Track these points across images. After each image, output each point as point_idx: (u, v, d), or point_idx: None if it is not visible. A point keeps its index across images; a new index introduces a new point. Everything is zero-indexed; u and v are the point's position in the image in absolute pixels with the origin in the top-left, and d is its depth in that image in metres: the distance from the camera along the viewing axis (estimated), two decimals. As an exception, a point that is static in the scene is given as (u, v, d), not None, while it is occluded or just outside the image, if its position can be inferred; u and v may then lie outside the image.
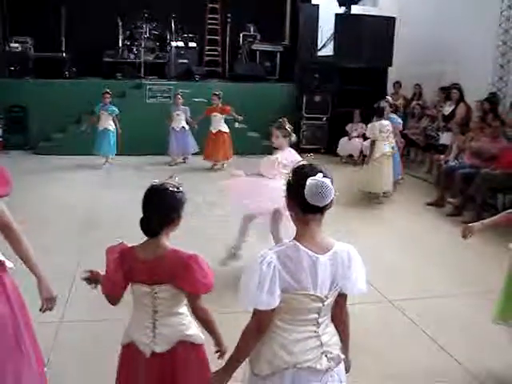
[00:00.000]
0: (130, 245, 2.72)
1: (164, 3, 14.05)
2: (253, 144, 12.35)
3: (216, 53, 15.57)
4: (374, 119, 9.52)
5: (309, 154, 2.59)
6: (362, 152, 11.85)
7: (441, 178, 8.96)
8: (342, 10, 13.05)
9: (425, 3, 13.15)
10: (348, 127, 12.30)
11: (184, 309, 2.74)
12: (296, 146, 12.79)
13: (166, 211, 2.61)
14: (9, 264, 2.90)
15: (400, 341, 4.52)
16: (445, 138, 10.66)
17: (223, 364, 2.45)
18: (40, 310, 2.95)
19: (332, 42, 13.21)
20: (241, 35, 15.19)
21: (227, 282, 4.12)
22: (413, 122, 12.03)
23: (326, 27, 13.49)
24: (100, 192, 8.99)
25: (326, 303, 2.29)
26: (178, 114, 11.28)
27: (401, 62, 12.65)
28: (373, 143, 8.80)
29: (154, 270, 2.58)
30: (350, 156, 12.20)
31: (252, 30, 15.22)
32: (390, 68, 12.88)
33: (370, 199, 8.98)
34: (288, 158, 5.41)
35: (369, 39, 12.16)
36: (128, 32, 14.38)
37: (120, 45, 14.36)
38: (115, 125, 10.87)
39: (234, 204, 5.83)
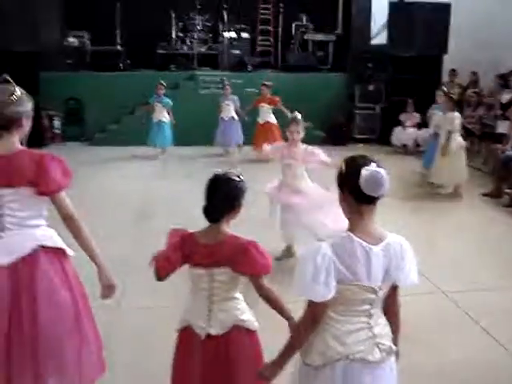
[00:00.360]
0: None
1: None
2: (305, 134, 12.31)
3: (268, 43, 15.56)
4: (430, 108, 9.39)
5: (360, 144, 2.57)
6: (416, 142, 11.70)
7: (498, 168, 8.74)
8: (395, -3, 12.84)
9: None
10: (402, 117, 12.11)
11: (239, 294, 2.81)
12: (349, 136, 12.88)
13: (228, 199, 2.71)
14: (70, 252, 3.01)
15: (452, 332, 4.46)
16: (502, 127, 10.38)
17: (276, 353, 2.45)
18: (100, 296, 3.04)
19: (385, 31, 13.02)
20: (293, 25, 15.13)
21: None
22: (469, 110, 11.76)
23: (378, 15, 13.30)
24: (154, 183, 9.15)
25: (379, 294, 2.29)
26: (227, 104, 11.25)
27: (456, 50, 12.36)
28: (450, 135, 8.41)
29: (213, 253, 2.66)
30: (404, 146, 12.03)
31: (304, 19, 15.15)
32: (445, 56, 12.60)
33: (430, 191, 8.84)
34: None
35: (423, 27, 11.92)
36: (181, 24, 14.54)
37: (173, 36, 14.53)
38: (169, 116, 10.98)
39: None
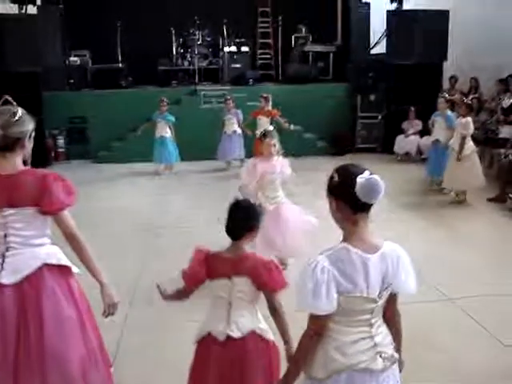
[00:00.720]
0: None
1: (215, 9, 14.24)
2: (308, 145, 12.39)
3: (268, 56, 15.66)
4: (433, 116, 9.39)
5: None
6: (419, 149, 11.70)
7: (502, 173, 8.73)
8: (393, 6, 12.88)
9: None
10: (404, 125, 12.12)
11: (256, 307, 2.92)
12: (352, 146, 12.89)
13: (248, 221, 2.92)
14: (75, 269, 3.03)
15: (462, 339, 4.44)
16: (505, 132, 10.39)
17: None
18: (102, 314, 3.05)
19: (385, 40, 13.07)
20: (292, 37, 15.23)
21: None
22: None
23: (377, 25, 13.37)
24: (160, 199, 9.16)
25: (379, 303, 2.30)
26: (229, 118, 11.27)
27: (456, 56, 12.39)
28: (463, 140, 8.33)
29: (236, 266, 2.85)
30: (407, 154, 12.04)
31: (304, 31, 15.24)
32: (445, 63, 12.62)
33: (435, 198, 8.83)
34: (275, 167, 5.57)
35: (422, 34, 11.93)
36: (181, 40, 14.66)
37: (174, 53, 14.66)
38: (171, 132, 11.02)
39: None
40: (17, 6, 11.58)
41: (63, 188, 2.87)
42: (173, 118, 10.97)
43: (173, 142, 11.02)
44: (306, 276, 2.22)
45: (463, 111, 8.42)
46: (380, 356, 2.32)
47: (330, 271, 2.20)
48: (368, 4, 13.63)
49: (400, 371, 2.52)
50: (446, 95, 9.97)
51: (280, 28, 15.32)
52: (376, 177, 2.22)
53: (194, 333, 2.98)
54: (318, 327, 2.28)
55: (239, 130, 11.28)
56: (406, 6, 12.98)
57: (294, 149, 11.32)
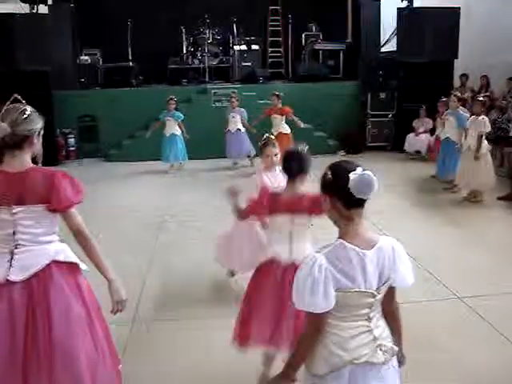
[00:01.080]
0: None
1: (225, 8, 14.26)
2: (319, 144, 12.33)
3: (279, 54, 15.65)
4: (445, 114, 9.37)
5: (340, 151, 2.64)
6: (429, 148, 11.65)
7: (512, 172, 8.67)
8: (403, 4, 12.83)
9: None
10: (415, 123, 12.09)
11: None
12: (362, 144, 12.88)
13: (302, 163, 3.52)
14: (83, 266, 3.05)
15: (471, 338, 4.42)
16: (516, 130, 10.33)
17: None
18: (111, 311, 3.06)
19: (395, 38, 13.02)
20: (303, 35, 15.22)
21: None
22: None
23: (388, 23, 13.33)
24: (169, 196, 9.19)
25: (377, 298, 2.31)
26: (233, 117, 11.25)
27: (467, 54, 12.34)
28: (480, 138, 8.26)
29: (294, 203, 3.43)
30: (418, 152, 12.00)
31: (314, 29, 15.24)
32: (455, 60, 12.57)
33: (446, 196, 8.80)
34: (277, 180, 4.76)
35: (433, 32, 11.90)
36: (191, 38, 14.68)
37: (184, 51, 14.70)
38: (181, 130, 11.05)
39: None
40: (28, 5, 11.65)
41: (71, 186, 2.88)
42: (182, 116, 11.00)
43: (182, 140, 11.04)
44: (304, 275, 2.24)
45: (477, 109, 8.36)
46: (380, 349, 2.34)
47: (327, 269, 2.21)
48: (378, 2, 13.57)
49: (400, 366, 2.54)
50: (458, 93, 9.91)
51: (290, 26, 15.32)
52: (369, 172, 2.24)
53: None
54: (316, 325, 2.30)
55: (243, 129, 11.24)
56: (416, 4, 12.97)
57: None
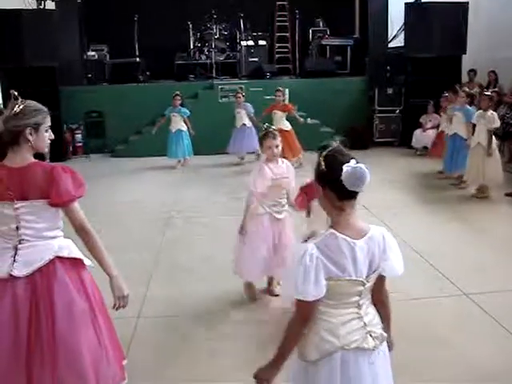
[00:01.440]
0: None
1: (232, 3, 14.23)
2: (326, 139, 12.24)
3: (286, 50, 15.61)
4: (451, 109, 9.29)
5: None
6: (433, 143, 11.59)
7: (521, 168, 8.60)
8: (412, -1, 12.77)
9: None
10: (422, 118, 12.05)
11: None
12: (369, 140, 12.84)
13: None
14: (87, 262, 3.05)
15: (477, 335, 4.39)
16: (525, 126, 10.25)
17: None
18: (113, 307, 3.06)
19: (403, 33, 12.96)
20: (310, 31, 15.18)
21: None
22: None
23: (396, 18, 13.26)
24: (175, 192, 9.19)
25: (366, 286, 2.36)
26: (238, 112, 11.24)
27: (475, 49, 12.26)
28: (491, 134, 8.19)
29: None
30: (425, 148, 11.95)
31: (321, 24, 15.21)
32: (463, 56, 12.49)
33: (453, 192, 8.76)
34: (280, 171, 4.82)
35: (441, 27, 11.83)
36: (198, 34, 14.69)
37: (191, 47, 14.69)
38: (187, 126, 11.04)
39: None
40: (35, 1, 11.65)
41: (72, 180, 2.88)
42: (188, 112, 10.99)
43: (187, 135, 11.04)
44: (295, 264, 2.28)
45: (485, 104, 8.31)
46: (370, 335, 2.39)
47: (318, 258, 2.25)
48: (386, -3, 13.51)
49: (390, 350, 2.58)
50: (466, 89, 9.86)
51: (297, 21, 15.27)
52: (362, 165, 2.24)
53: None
54: (305, 312, 2.34)
55: (249, 124, 11.19)
56: (424, -1, 12.88)
57: (311, 143, 11.34)
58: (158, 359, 4.09)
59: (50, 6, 12.11)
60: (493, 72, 12.50)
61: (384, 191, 8.29)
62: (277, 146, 4.78)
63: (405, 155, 11.89)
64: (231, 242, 5.04)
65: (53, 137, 3.03)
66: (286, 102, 11.31)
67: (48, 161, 3.03)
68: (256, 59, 14.29)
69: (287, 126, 10.65)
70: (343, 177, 2.22)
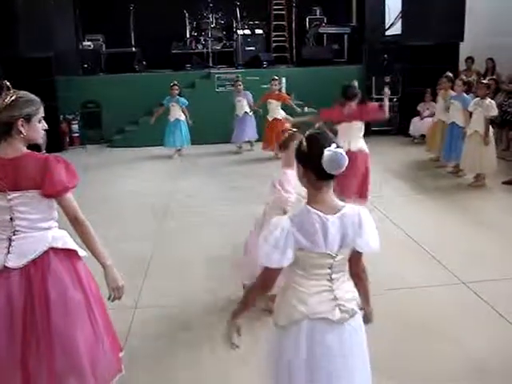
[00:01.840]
0: None
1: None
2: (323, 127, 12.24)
3: (283, 38, 15.52)
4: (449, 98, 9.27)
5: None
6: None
7: (518, 156, 8.59)
8: (409, -14, 12.68)
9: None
10: (420, 107, 12.02)
11: None
12: (367, 128, 12.78)
13: None
14: (81, 252, 3.04)
15: (474, 322, 4.39)
16: (522, 114, 10.23)
17: None
18: (108, 299, 3.04)
19: (400, 21, 12.89)
20: (307, 19, 15.08)
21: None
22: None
23: (393, 5, 13.19)
24: (172, 182, 9.17)
25: (336, 259, 2.49)
26: (239, 101, 11.25)
27: (473, 37, 12.19)
28: (488, 122, 8.18)
29: None
30: (423, 136, 11.92)
31: (318, 12, 15.11)
32: (461, 43, 12.43)
33: (450, 181, 8.76)
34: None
35: (438, 14, 11.73)
36: (194, 23, 14.61)
37: (187, 36, 14.60)
38: (185, 116, 11.01)
39: None
40: (29, -10, 11.56)
41: (66, 170, 2.87)
42: (186, 102, 10.97)
43: (185, 124, 11.02)
44: (268, 233, 2.43)
45: (482, 92, 8.28)
46: (339, 308, 2.52)
47: (289, 230, 2.41)
48: (383, -16, 13.43)
49: (368, 322, 2.77)
50: (463, 77, 9.83)
51: (294, 10, 15.18)
52: (341, 150, 2.37)
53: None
54: (267, 278, 2.50)
55: (251, 112, 11.25)
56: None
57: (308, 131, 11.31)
58: (155, 350, 4.08)
59: (45, -5, 12.01)
60: (490, 59, 12.46)
61: (381, 179, 8.27)
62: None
63: (402, 143, 11.88)
64: (229, 231, 5.05)
65: (46, 127, 3.00)
66: (283, 90, 11.30)
67: (44, 151, 3.00)
68: (253, 48, 14.20)
69: (282, 115, 10.64)
70: (323, 160, 2.34)
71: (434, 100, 11.49)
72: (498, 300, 4.69)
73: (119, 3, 13.82)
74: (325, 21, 14.91)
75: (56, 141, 11.19)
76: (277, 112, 10.70)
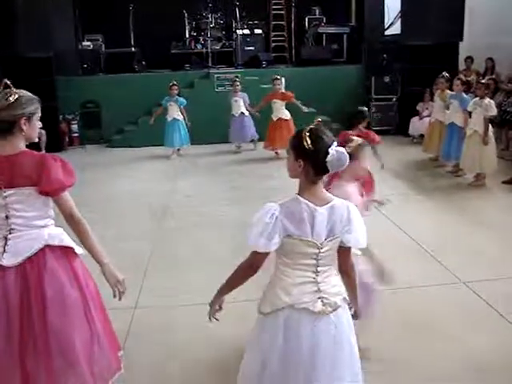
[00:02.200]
0: None
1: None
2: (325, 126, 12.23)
3: (282, 38, 15.51)
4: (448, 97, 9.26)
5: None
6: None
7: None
8: (408, -15, 12.67)
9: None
10: (419, 106, 12.02)
11: None
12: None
13: None
14: (78, 250, 3.04)
15: (475, 322, 4.39)
16: (522, 113, 10.23)
17: None
18: (114, 296, 3.03)
19: (399, 21, 12.89)
20: (306, 19, 15.08)
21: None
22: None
23: (392, 5, 13.19)
24: (172, 182, 9.17)
25: (322, 250, 2.57)
26: (235, 101, 11.25)
27: (472, 36, 12.20)
28: (487, 121, 8.16)
29: None
30: (422, 136, 11.91)
31: (317, 12, 15.11)
32: (461, 43, 12.42)
33: (449, 181, 8.76)
34: None
35: (438, 14, 11.70)
36: (194, 23, 14.61)
37: (187, 36, 14.60)
38: (183, 116, 11.00)
39: None
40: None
41: (62, 169, 2.87)
42: (184, 101, 10.96)
43: (184, 124, 11.01)
44: (258, 219, 2.54)
45: (481, 92, 8.29)
46: (322, 301, 2.60)
47: (277, 217, 2.51)
48: (383, -16, 13.43)
49: (356, 318, 2.84)
50: (462, 76, 9.83)
51: (293, 9, 15.18)
52: (343, 150, 2.50)
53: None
54: (254, 261, 2.61)
55: (247, 112, 11.25)
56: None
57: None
58: (155, 350, 4.08)
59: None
60: (490, 59, 12.45)
61: (380, 179, 8.26)
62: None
63: (401, 143, 11.87)
64: (228, 231, 5.03)
65: (41, 125, 3.02)
66: (283, 90, 11.31)
67: (44, 151, 3.01)
68: (252, 48, 14.20)
69: (287, 114, 10.63)
70: (328, 159, 2.46)
71: (434, 100, 11.50)
72: (497, 300, 4.68)
73: (119, 3, 13.81)
74: (324, 21, 14.91)
75: (55, 141, 11.18)
76: (281, 112, 10.65)
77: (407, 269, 5.29)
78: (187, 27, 14.61)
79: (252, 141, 11.49)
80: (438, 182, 8.76)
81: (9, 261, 2.83)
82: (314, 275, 2.60)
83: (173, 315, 4.62)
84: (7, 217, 2.84)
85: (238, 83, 11.28)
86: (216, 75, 12.79)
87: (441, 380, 3.65)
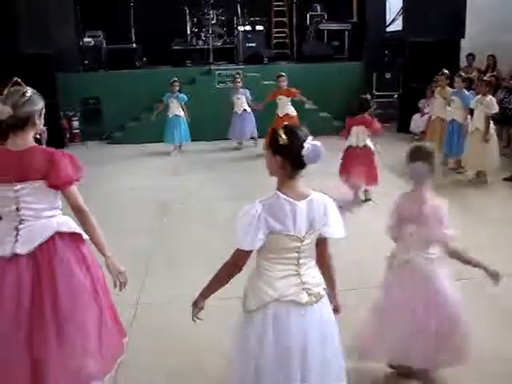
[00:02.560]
0: None
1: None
2: (324, 124, 12.24)
3: (283, 35, 15.51)
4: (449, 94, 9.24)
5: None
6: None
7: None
8: (410, -18, 12.66)
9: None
10: (420, 103, 12.00)
11: None
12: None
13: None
14: (85, 236, 3.13)
15: (477, 321, 4.37)
16: (523, 110, 10.22)
17: None
18: (114, 287, 3.13)
19: (401, 17, 12.88)
20: (308, 15, 15.06)
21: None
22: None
23: (394, 2, 13.18)
24: (173, 178, 9.19)
25: (304, 243, 2.65)
26: (238, 98, 11.26)
27: (474, 33, 12.18)
28: (488, 119, 8.18)
29: None
30: (423, 133, 11.90)
31: (319, 9, 15.09)
32: (462, 40, 12.41)
33: (451, 178, 8.76)
34: None
35: (439, 11, 11.70)
36: (195, 19, 14.57)
37: (188, 32, 14.60)
38: (184, 112, 11.00)
39: None
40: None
41: (71, 163, 2.99)
42: (186, 98, 10.96)
43: (185, 120, 11.01)
44: (242, 218, 2.62)
45: (482, 89, 8.27)
46: (306, 292, 2.68)
47: (261, 215, 2.58)
48: (384, -20, 13.42)
49: (337, 312, 2.93)
50: (463, 73, 9.81)
51: (295, 6, 15.17)
52: (319, 143, 2.57)
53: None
54: (238, 259, 2.68)
55: (249, 109, 11.26)
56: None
57: (309, 128, 11.29)
58: (158, 345, 4.09)
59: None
60: (492, 56, 12.44)
61: (381, 176, 8.26)
62: None
63: (403, 140, 11.81)
64: (229, 227, 4.98)
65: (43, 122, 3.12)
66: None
67: (44, 147, 3.08)
68: (253, 44, 14.18)
69: (293, 111, 10.61)
70: (304, 153, 2.53)
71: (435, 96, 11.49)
72: (499, 297, 4.69)
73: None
74: (325, 17, 14.90)
75: (56, 137, 11.15)
76: (288, 107, 10.61)
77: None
78: (188, 23, 14.60)
79: (252, 138, 11.48)
80: (439, 179, 8.70)
81: (22, 249, 2.94)
82: (296, 268, 2.68)
83: (174, 312, 4.62)
84: (18, 209, 2.96)
85: (239, 80, 11.26)
86: (217, 71, 12.78)
87: (440, 379, 3.68)
